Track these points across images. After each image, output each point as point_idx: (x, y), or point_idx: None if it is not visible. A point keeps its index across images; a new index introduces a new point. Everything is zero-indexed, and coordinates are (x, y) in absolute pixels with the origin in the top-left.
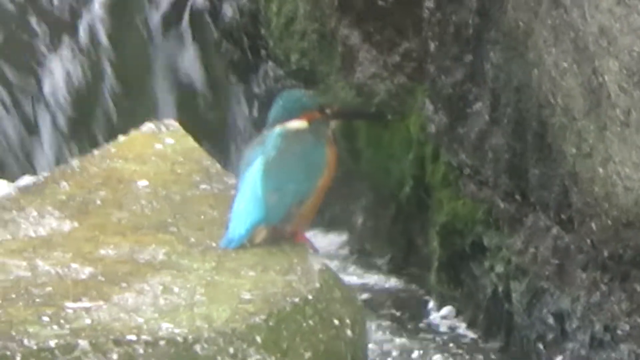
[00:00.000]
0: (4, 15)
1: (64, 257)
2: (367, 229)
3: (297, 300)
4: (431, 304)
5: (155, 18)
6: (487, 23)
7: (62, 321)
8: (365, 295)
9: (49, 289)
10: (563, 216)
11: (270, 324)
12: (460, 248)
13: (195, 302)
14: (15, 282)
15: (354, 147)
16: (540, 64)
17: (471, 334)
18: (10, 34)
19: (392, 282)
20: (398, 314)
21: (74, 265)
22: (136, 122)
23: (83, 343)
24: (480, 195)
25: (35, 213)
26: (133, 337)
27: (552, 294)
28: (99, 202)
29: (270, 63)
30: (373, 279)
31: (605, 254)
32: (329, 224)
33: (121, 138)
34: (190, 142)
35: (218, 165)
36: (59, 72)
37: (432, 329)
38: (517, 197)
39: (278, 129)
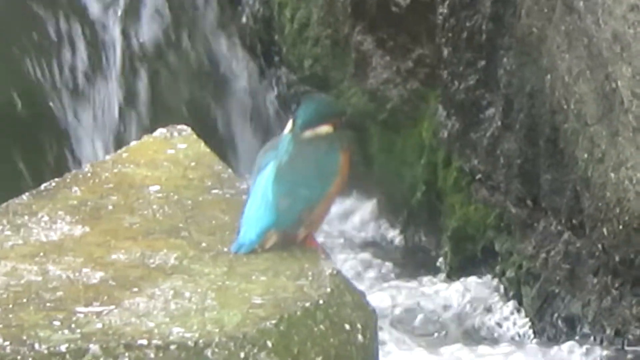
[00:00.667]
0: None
1: (75, 262)
2: (379, 234)
3: (308, 304)
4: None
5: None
6: (501, 29)
7: (73, 325)
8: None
9: (60, 293)
10: (574, 221)
11: (281, 328)
12: (471, 253)
13: (207, 307)
14: (26, 286)
15: (366, 153)
16: (554, 69)
17: None
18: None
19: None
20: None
21: (85, 270)
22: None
23: (94, 347)
24: (492, 200)
25: (46, 218)
26: (144, 342)
27: (563, 298)
28: (110, 207)
29: (283, 69)
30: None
31: (617, 258)
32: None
33: (133, 143)
34: (202, 147)
35: (230, 170)
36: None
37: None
38: (529, 202)
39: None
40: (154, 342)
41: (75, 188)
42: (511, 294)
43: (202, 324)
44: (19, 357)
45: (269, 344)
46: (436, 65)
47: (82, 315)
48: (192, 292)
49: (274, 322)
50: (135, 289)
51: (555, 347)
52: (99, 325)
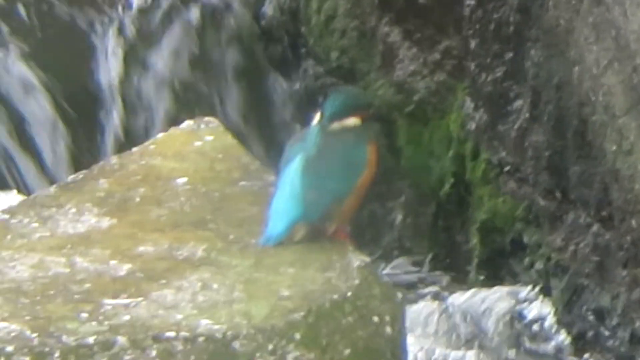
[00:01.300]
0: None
1: (103, 254)
2: (408, 227)
3: (336, 297)
4: None
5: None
6: (528, 21)
7: (100, 318)
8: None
9: (87, 285)
10: (603, 213)
11: (309, 320)
12: (500, 245)
13: (234, 299)
14: (53, 278)
15: (394, 145)
16: (581, 61)
17: None
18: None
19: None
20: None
21: (112, 262)
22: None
23: (122, 339)
24: (521, 192)
25: (74, 210)
26: (172, 334)
27: (592, 291)
28: (137, 199)
29: (310, 61)
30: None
31: None
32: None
33: (160, 135)
34: (229, 139)
35: (257, 162)
36: None
37: None
38: (558, 194)
39: (318, 126)
40: (182, 334)
41: (102, 180)
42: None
43: (230, 316)
44: (46, 349)
45: (297, 336)
46: (463, 57)
47: (109, 308)
48: (219, 284)
49: (302, 314)
50: (163, 281)
51: None
52: (127, 318)
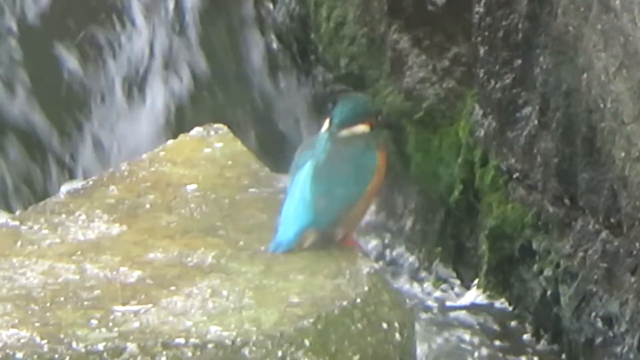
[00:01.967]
0: None
1: (113, 261)
2: (417, 233)
3: (345, 303)
4: None
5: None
6: (537, 28)
7: (110, 324)
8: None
9: (97, 292)
10: (612, 220)
11: (319, 327)
12: (509, 252)
13: (244, 306)
14: (63, 285)
15: (403, 152)
16: (590, 68)
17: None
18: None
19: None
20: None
21: (122, 269)
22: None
23: (131, 346)
24: (530, 199)
25: (84, 217)
26: (181, 341)
27: (600, 297)
28: (147, 205)
29: (319, 67)
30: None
31: None
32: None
33: (169, 142)
34: (239, 145)
35: (267, 169)
36: None
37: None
38: (566, 201)
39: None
40: (192, 341)
41: (112, 187)
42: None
43: (240, 323)
44: (56, 356)
45: (307, 342)
46: (472, 64)
47: (119, 314)
48: (229, 291)
49: (311, 320)
50: (173, 288)
51: None
52: (137, 324)
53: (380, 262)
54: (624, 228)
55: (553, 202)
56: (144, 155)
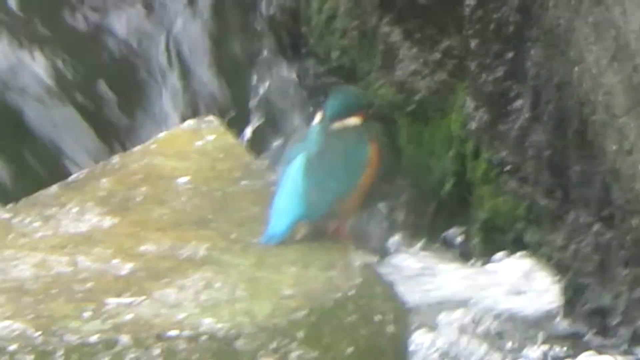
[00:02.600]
0: None
1: (105, 253)
2: (408, 226)
3: (338, 296)
4: None
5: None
6: (528, 20)
7: (103, 316)
8: None
9: (90, 284)
10: (604, 213)
11: (312, 319)
12: (501, 244)
13: (237, 298)
14: (56, 277)
15: (395, 145)
16: (581, 61)
17: None
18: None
19: None
20: None
21: (114, 261)
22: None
23: (125, 338)
24: (521, 192)
25: (76, 209)
26: (174, 333)
27: (593, 290)
28: (139, 198)
29: (311, 60)
30: None
31: None
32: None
33: (161, 134)
34: (230, 138)
35: (258, 162)
36: None
37: None
38: (558, 194)
39: (319, 125)
40: (185, 332)
41: (103, 179)
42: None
43: (233, 315)
44: (49, 348)
45: (300, 334)
46: (464, 56)
47: (112, 306)
48: (222, 283)
49: (304, 313)
50: (166, 280)
51: None
52: (130, 316)
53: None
54: (616, 220)
55: (545, 195)
56: (136, 148)
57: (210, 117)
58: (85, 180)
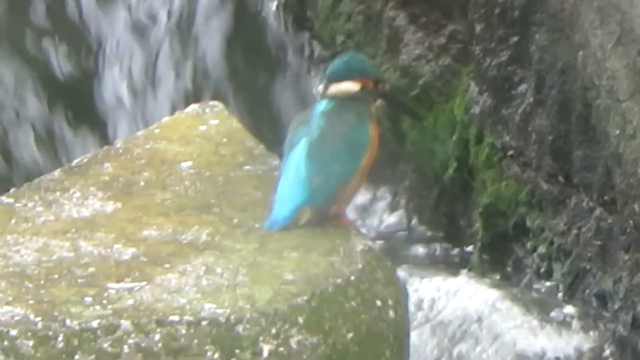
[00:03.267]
0: None
1: (107, 238)
2: (411, 211)
3: (339, 281)
4: None
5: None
6: (533, 5)
7: (104, 302)
8: None
9: (91, 269)
10: (606, 197)
11: (313, 304)
12: (503, 229)
13: (238, 283)
14: (58, 262)
15: (398, 129)
16: (586, 45)
17: None
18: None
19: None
20: None
21: (117, 246)
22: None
23: (126, 324)
24: (524, 176)
25: (78, 194)
26: (176, 318)
27: (594, 274)
28: (142, 183)
29: (315, 44)
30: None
31: None
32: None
33: (165, 119)
34: (234, 123)
35: (262, 147)
36: None
37: None
38: (561, 178)
39: (321, 105)
40: (186, 318)
41: (106, 164)
42: (542, 270)
43: (234, 300)
44: (50, 333)
45: (300, 320)
46: (468, 41)
47: (113, 292)
48: (223, 269)
49: (305, 298)
50: (167, 265)
51: None
52: (131, 302)
53: (375, 240)
54: (618, 205)
55: (547, 180)
56: (139, 133)
57: (214, 102)
58: (88, 164)
